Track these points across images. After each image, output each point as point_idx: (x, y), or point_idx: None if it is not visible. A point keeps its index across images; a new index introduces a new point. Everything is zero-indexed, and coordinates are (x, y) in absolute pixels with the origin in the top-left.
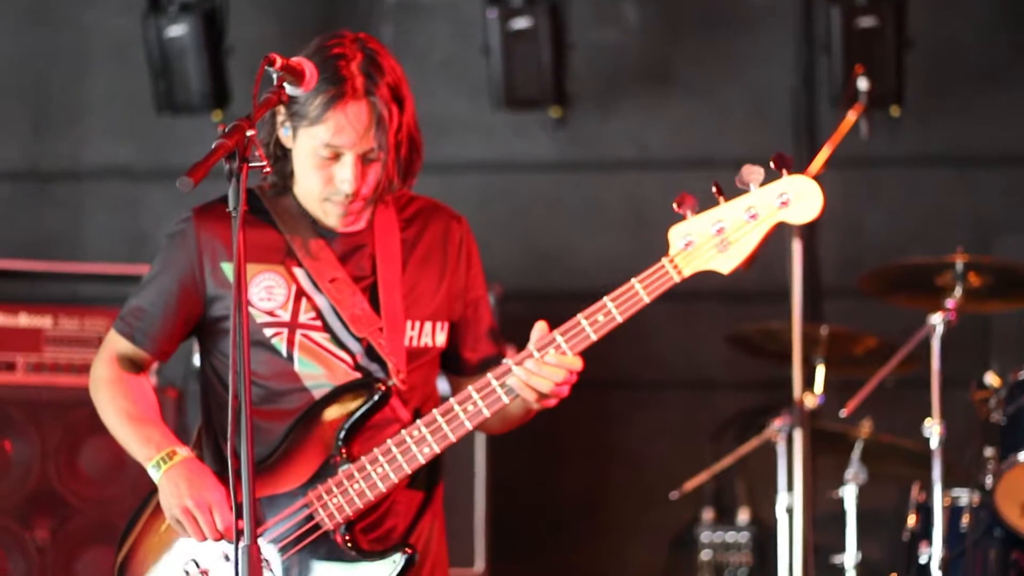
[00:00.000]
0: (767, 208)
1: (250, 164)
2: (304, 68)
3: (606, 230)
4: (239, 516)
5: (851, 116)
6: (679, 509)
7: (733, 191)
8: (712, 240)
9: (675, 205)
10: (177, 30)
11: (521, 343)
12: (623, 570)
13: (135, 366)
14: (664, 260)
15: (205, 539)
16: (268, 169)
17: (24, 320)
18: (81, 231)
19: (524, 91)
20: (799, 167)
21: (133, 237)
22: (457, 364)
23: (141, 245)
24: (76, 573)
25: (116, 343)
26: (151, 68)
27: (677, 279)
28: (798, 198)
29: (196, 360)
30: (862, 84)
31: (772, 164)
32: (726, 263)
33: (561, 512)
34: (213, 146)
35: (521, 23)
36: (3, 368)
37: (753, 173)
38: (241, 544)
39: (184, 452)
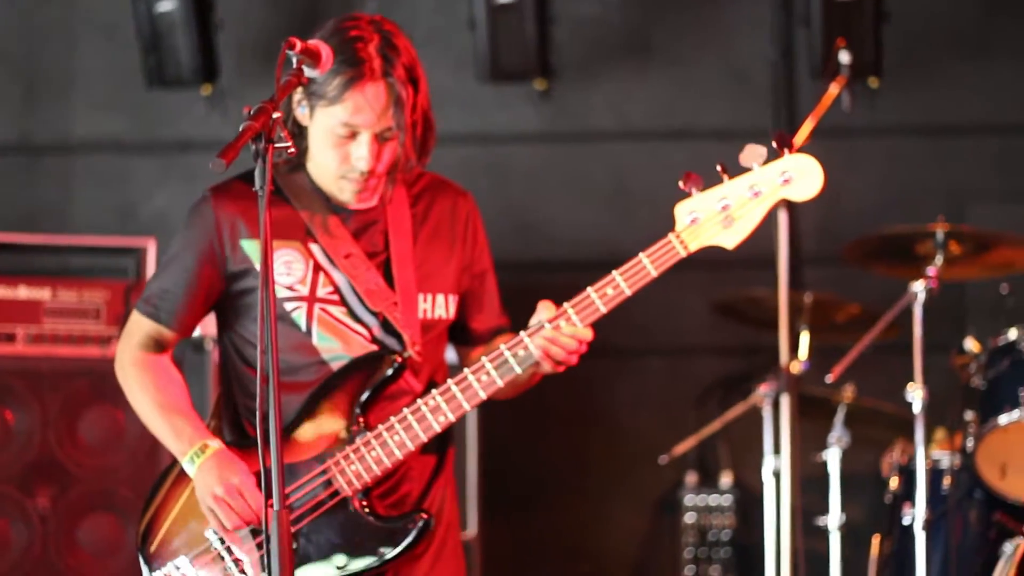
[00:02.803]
0: (770, 185)
1: (275, 145)
2: (321, 50)
3: (589, 201)
4: (266, 481)
5: (833, 88)
6: (663, 473)
7: (735, 168)
8: (717, 216)
9: (680, 183)
10: (167, 5)
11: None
12: (609, 532)
13: (159, 346)
14: (671, 235)
15: (238, 526)
16: (293, 150)
17: (24, 292)
18: (71, 204)
19: (509, 64)
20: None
21: (123, 210)
22: (465, 335)
23: (131, 217)
24: (77, 540)
25: (140, 324)
26: (141, 42)
27: (684, 254)
28: (800, 176)
29: (195, 331)
30: (844, 57)
31: (774, 143)
32: (731, 238)
33: (549, 477)
34: (240, 128)
35: None
36: (3, 339)
37: (756, 152)
38: (271, 509)
39: (215, 444)
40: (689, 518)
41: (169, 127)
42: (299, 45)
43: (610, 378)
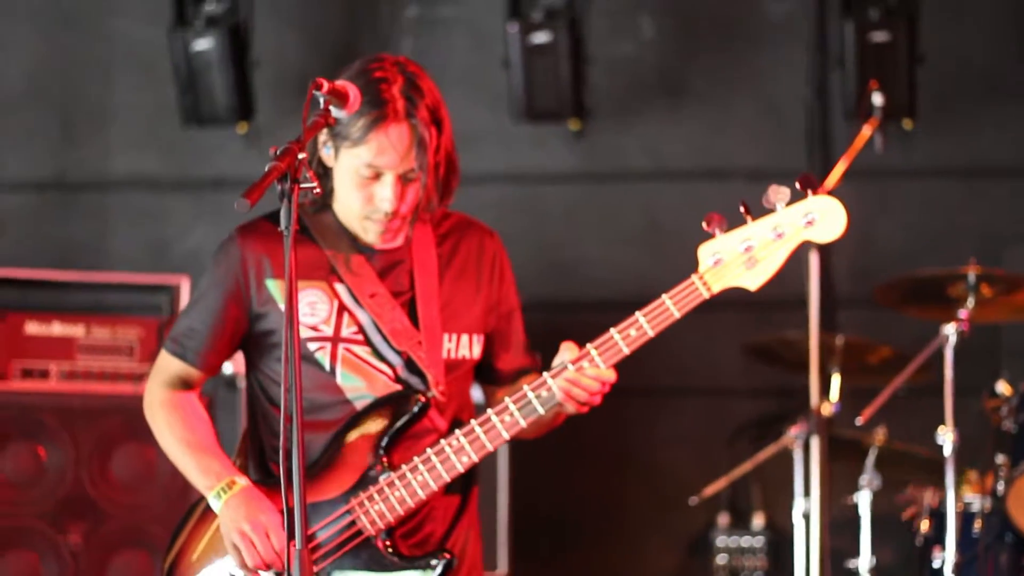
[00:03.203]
0: (793, 227)
1: (301, 185)
2: (348, 91)
3: (622, 241)
4: (289, 520)
5: (866, 130)
6: (696, 514)
7: (758, 209)
8: (740, 258)
9: (704, 224)
10: (203, 44)
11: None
12: (640, 573)
13: (186, 384)
14: (694, 277)
15: (260, 566)
16: (319, 190)
17: (57, 329)
18: (107, 241)
19: (543, 104)
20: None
21: (158, 247)
22: (491, 374)
23: (165, 255)
24: None
25: (168, 363)
26: (178, 81)
27: (707, 295)
28: (823, 217)
29: (226, 369)
30: (876, 99)
31: (798, 185)
32: (754, 280)
33: (581, 516)
34: (267, 168)
35: (541, 37)
36: (37, 376)
37: (779, 193)
38: (294, 548)
39: (243, 481)
40: (721, 559)
41: (204, 165)
42: (326, 86)
43: (645, 418)
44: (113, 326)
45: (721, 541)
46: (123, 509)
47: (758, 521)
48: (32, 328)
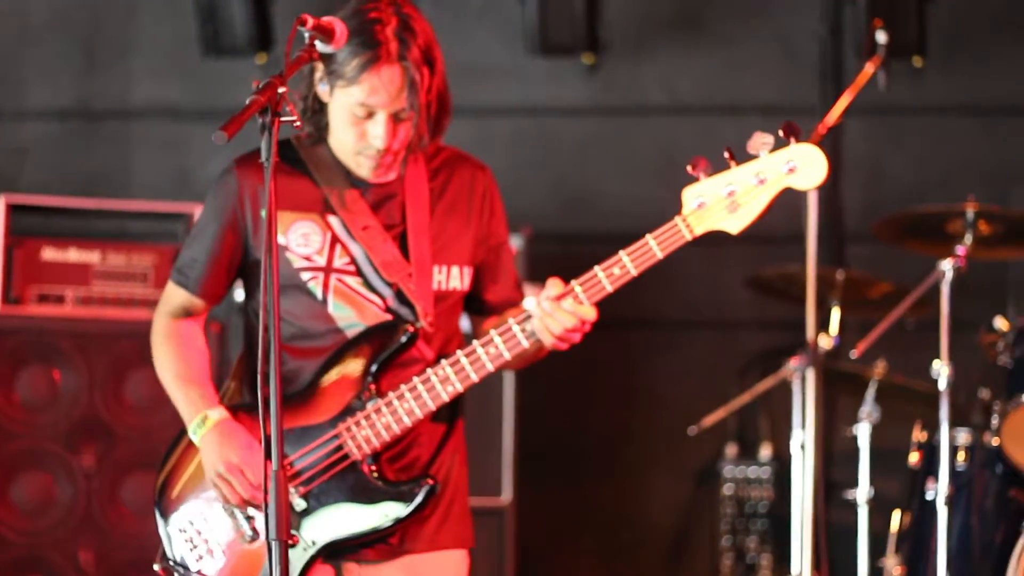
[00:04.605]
0: (775, 174)
1: (281, 119)
2: (335, 27)
3: (636, 174)
4: (266, 443)
5: (869, 68)
6: (703, 444)
7: (742, 154)
8: (723, 202)
9: (689, 167)
10: None
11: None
12: (647, 502)
13: (189, 313)
14: (677, 219)
15: (240, 504)
16: (299, 124)
17: (73, 255)
18: (129, 169)
19: (558, 38)
20: (824, 115)
21: (179, 175)
22: (479, 305)
23: (187, 183)
24: (121, 498)
25: (172, 294)
26: (198, 11)
27: (689, 237)
28: (804, 165)
29: (238, 296)
30: (880, 37)
31: (781, 132)
32: (735, 223)
33: (587, 446)
34: (247, 102)
35: None
36: (53, 301)
37: (763, 140)
38: (270, 469)
39: (215, 415)
40: (728, 489)
41: (224, 95)
42: (311, 21)
43: (652, 350)
44: (128, 252)
45: (728, 471)
46: (136, 432)
47: (765, 452)
48: (48, 254)
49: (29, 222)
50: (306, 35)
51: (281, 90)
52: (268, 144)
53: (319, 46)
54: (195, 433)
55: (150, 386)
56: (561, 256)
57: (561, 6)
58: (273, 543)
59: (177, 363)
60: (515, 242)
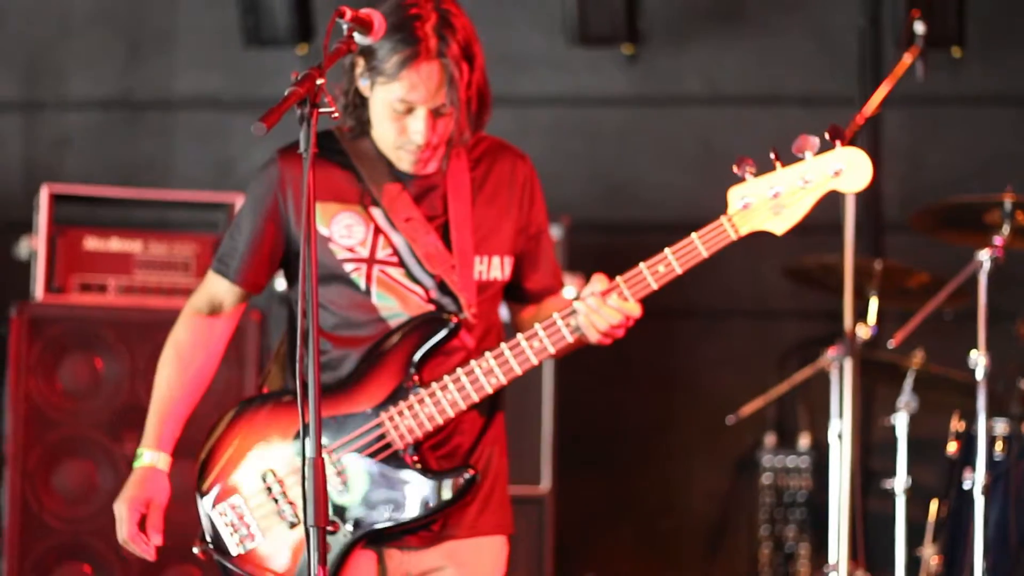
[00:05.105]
0: (820, 176)
1: (320, 110)
2: (373, 19)
3: (675, 164)
4: (305, 432)
5: (907, 58)
6: (742, 434)
7: (788, 156)
8: (768, 203)
9: (734, 167)
10: None
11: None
12: (686, 491)
13: (222, 308)
14: (723, 218)
15: (123, 543)
16: (337, 115)
17: (115, 244)
18: (171, 159)
19: (597, 29)
20: (863, 106)
21: (221, 165)
22: (518, 293)
23: (228, 174)
24: None
25: (212, 283)
26: (239, 2)
27: (734, 236)
28: (850, 169)
29: (278, 285)
30: (918, 28)
31: (827, 135)
32: (780, 225)
33: (627, 434)
34: (286, 93)
35: None
36: (95, 290)
37: (809, 142)
38: (308, 456)
39: (147, 459)
40: (767, 479)
41: (266, 85)
42: (349, 13)
43: (692, 339)
44: (170, 242)
45: (767, 461)
46: None
47: (804, 441)
48: (91, 244)
49: (72, 211)
50: (344, 27)
51: (319, 82)
52: (307, 135)
53: (357, 38)
54: (134, 463)
55: None
56: (600, 246)
57: None
58: (312, 529)
59: (164, 385)
60: (554, 232)
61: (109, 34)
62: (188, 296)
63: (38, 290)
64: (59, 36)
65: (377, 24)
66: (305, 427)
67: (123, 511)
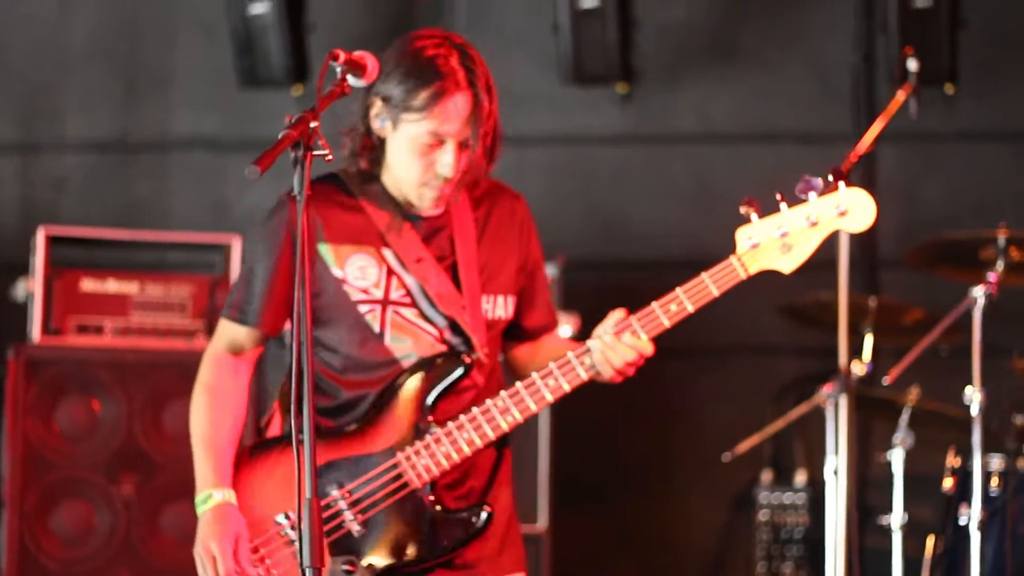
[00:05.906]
0: (826, 217)
1: (314, 153)
2: (366, 62)
3: (670, 202)
4: (299, 471)
5: (900, 95)
6: (739, 470)
7: (793, 197)
8: (776, 243)
9: (741, 208)
10: (260, 7)
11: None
12: (683, 529)
13: (243, 349)
14: (732, 258)
15: None
16: (330, 157)
17: (112, 286)
18: (167, 200)
19: (592, 67)
20: (857, 142)
21: (217, 206)
22: (516, 331)
23: (224, 214)
24: (159, 526)
25: (226, 331)
26: (235, 44)
27: (743, 276)
28: (854, 209)
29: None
30: (911, 65)
31: (830, 177)
32: (788, 263)
33: (623, 472)
34: (279, 136)
35: (589, 2)
36: (92, 331)
37: (812, 183)
38: (304, 498)
39: (218, 497)
40: (763, 515)
41: (262, 126)
42: (343, 56)
43: (689, 376)
44: (166, 283)
45: (764, 497)
46: (174, 461)
47: (800, 478)
48: (87, 285)
49: (68, 253)
50: (338, 70)
51: (313, 124)
52: (301, 178)
53: (351, 80)
54: (199, 506)
55: (188, 416)
56: (595, 284)
57: (595, 36)
58: (307, 570)
59: (207, 426)
60: (549, 270)
61: (105, 75)
62: (185, 337)
63: (35, 332)
64: (55, 78)
65: (371, 67)
66: (300, 468)
67: (215, 549)
